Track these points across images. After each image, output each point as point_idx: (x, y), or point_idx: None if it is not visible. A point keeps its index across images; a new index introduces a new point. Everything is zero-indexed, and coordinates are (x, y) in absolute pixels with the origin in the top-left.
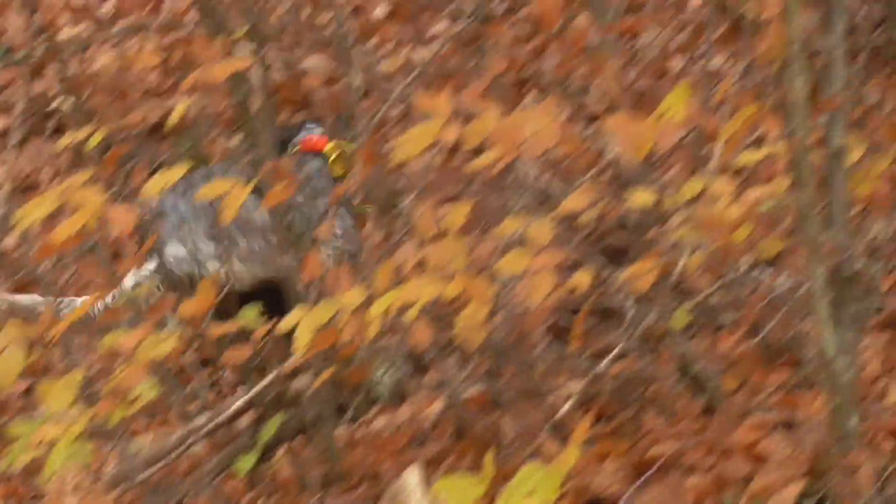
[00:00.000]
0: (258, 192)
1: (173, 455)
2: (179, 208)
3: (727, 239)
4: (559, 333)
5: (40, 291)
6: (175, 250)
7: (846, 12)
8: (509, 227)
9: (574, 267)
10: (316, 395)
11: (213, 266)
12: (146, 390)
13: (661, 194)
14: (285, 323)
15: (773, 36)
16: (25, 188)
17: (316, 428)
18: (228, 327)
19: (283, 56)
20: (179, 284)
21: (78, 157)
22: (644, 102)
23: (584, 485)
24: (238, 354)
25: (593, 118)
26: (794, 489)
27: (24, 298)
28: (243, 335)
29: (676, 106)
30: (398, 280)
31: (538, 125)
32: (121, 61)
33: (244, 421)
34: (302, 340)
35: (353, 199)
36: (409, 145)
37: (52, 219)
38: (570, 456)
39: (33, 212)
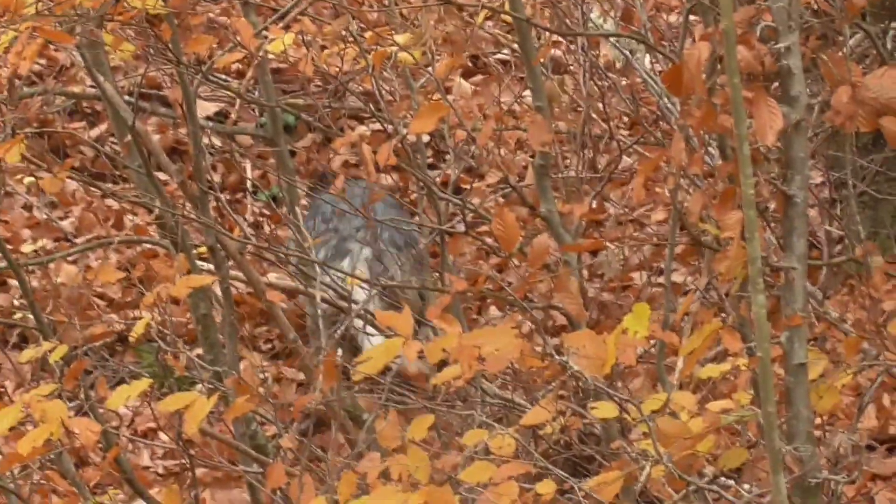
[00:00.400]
0: None
1: None
2: None
3: (691, 450)
4: None
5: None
6: None
7: (806, 233)
8: (473, 438)
9: (538, 477)
10: None
11: None
12: None
13: (625, 407)
14: None
15: (734, 254)
16: None
17: None
18: None
19: (243, 271)
20: None
21: (42, 367)
22: (607, 314)
23: None
24: None
25: (558, 330)
26: None
27: None
28: None
29: (637, 323)
30: (362, 490)
31: (499, 341)
32: (83, 275)
33: None
34: None
35: None
36: (372, 362)
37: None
38: None
39: None
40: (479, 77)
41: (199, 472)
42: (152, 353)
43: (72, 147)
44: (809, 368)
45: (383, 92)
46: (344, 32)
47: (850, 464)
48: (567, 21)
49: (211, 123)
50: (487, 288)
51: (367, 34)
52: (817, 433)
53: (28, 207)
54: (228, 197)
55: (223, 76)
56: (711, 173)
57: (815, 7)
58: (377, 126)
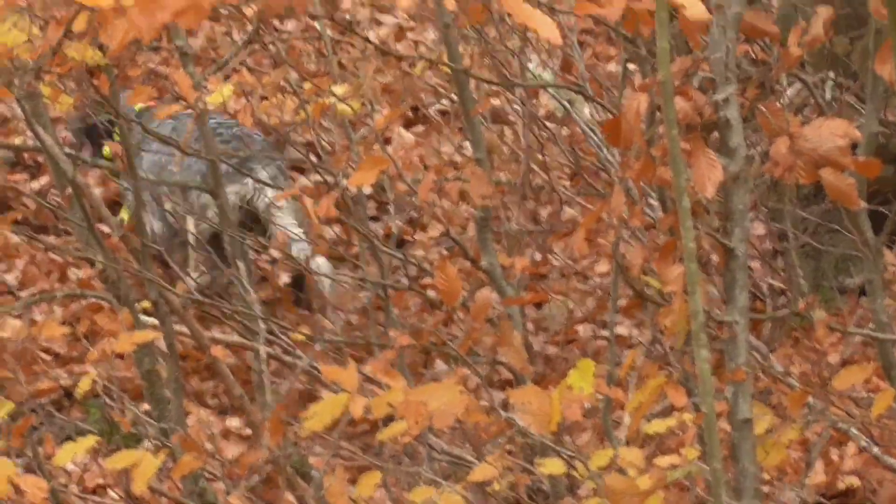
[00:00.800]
0: None
1: None
2: None
3: None
4: None
5: None
6: None
7: (748, 285)
8: (421, 494)
9: None
10: None
11: None
12: None
13: (572, 463)
14: None
15: (677, 308)
16: None
17: None
18: None
19: (187, 326)
20: None
21: None
22: (552, 368)
23: None
24: None
25: (504, 384)
26: None
27: None
28: None
29: (582, 379)
30: None
31: (445, 397)
32: (28, 329)
33: None
34: None
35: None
36: (318, 417)
37: None
38: None
39: None
40: (419, 127)
41: None
42: (99, 408)
43: (14, 199)
44: (755, 423)
45: (323, 143)
46: (283, 83)
47: None
48: (505, 71)
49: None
50: (432, 342)
51: (307, 85)
52: (765, 489)
53: None
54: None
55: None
56: (653, 225)
57: (753, 56)
58: (318, 177)
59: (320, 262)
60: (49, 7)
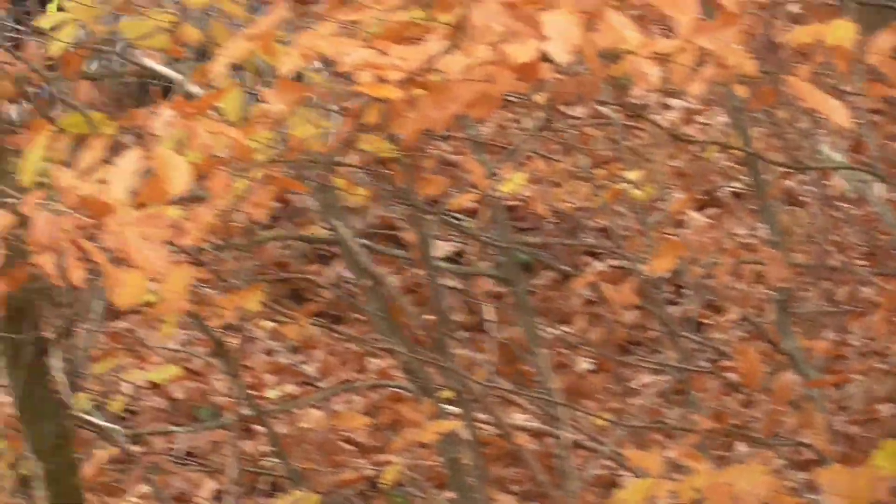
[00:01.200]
0: None
1: None
2: None
3: None
4: None
5: None
6: None
7: None
8: None
9: None
10: None
11: None
12: None
13: None
14: None
15: None
16: None
17: None
18: None
19: (489, 414)
20: None
21: None
22: (855, 447)
23: None
24: None
25: (804, 464)
26: None
27: None
28: None
29: (889, 459)
30: None
31: (750, 479)
32: (329, 420)
33: None
34: None
35: None
36: (624, 502)
37: None
38: None
39: None
40: (711, 209)
41: None
42: (403, 497)
43: (308, 290)
44: None
45: (617, 228)
46: (575, 169)
47: None
48: (796, 153)
49: (447, 264)
50: (734, 425)
51: (599, 170)
52: None
53: (270, 352)
54: (468, 336)
55: (458, 216)
56: None
57: None
58: (613, 262)
59: None
60: (340, 100)
